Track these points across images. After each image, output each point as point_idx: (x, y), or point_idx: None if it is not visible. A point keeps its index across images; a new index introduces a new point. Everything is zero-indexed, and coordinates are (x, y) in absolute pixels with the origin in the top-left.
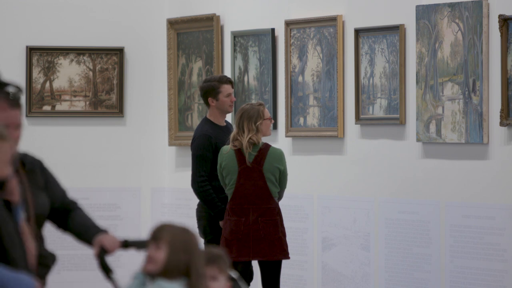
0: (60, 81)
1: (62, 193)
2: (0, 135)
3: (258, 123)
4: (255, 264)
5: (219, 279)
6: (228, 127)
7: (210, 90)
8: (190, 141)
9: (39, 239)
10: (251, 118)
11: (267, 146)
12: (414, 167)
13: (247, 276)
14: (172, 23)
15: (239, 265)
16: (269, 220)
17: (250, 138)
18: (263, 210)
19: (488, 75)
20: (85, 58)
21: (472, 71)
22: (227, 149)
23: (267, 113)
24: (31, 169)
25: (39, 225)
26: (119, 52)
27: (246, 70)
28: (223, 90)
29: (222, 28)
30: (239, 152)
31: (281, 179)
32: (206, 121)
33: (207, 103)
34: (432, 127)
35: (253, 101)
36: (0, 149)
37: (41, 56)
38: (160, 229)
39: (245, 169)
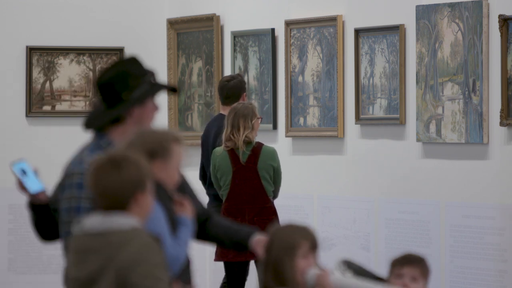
0: (60, 81)
1: (200, 202)
2: (176, 137)
3: (253, 121)
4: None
5: (418, 281)
6: None
7: (245, 87)
8: (190, 141)
9: None
10: (246, 116)
11: (260, 145)
12: (414, 167)
13: (244, 276)
14: (172, 23)
15: (235, 266)
16: (265, 219)
17: (246, 136)
18: (259, 210)
19: (488, 75)
20: (85, 58)
21: (472, 71)
22: (220, 151)
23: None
24: None
25: None
26: (119, 52)
27: (246, 70)
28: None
29: (222, 28)
30: (232, 152)
31: (275, 176)
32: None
33: (238, 98)
34: (432, 127)
35: (253, 101)
36: (178, 153)
37: (41, 56)
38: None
39: (240, 169)
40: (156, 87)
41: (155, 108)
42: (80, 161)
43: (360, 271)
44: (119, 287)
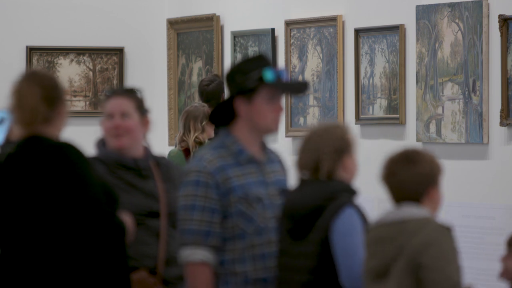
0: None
1: None
2: (347, 127)
3: (204, 123)
4: None
5: None
6: None
7: (224, 88)
8: None
9: (173, 239)
10: (197, 118)
11: None
12: None
13: None
14: (172, 23)
15: None
16: None
17: (196, 137)
18: None
19: (488, 75)
20: (85, 58)
21: (472, 71)
22: (174, 151)
23: None
24: (166, 166)
25: (174, 225)
26: (119, 52)
27: None
28: None
29: (222, 28)
30: (186, 152)
31: None
32: None
33: (218, 100)
34: (432, 127)
35: None
36: (355, 141)
37: (41, 56)
38: None
39: None
40: (282, 86)
41: (279, 108)
42: (199, 159)
43: None
44: (412, 271)
